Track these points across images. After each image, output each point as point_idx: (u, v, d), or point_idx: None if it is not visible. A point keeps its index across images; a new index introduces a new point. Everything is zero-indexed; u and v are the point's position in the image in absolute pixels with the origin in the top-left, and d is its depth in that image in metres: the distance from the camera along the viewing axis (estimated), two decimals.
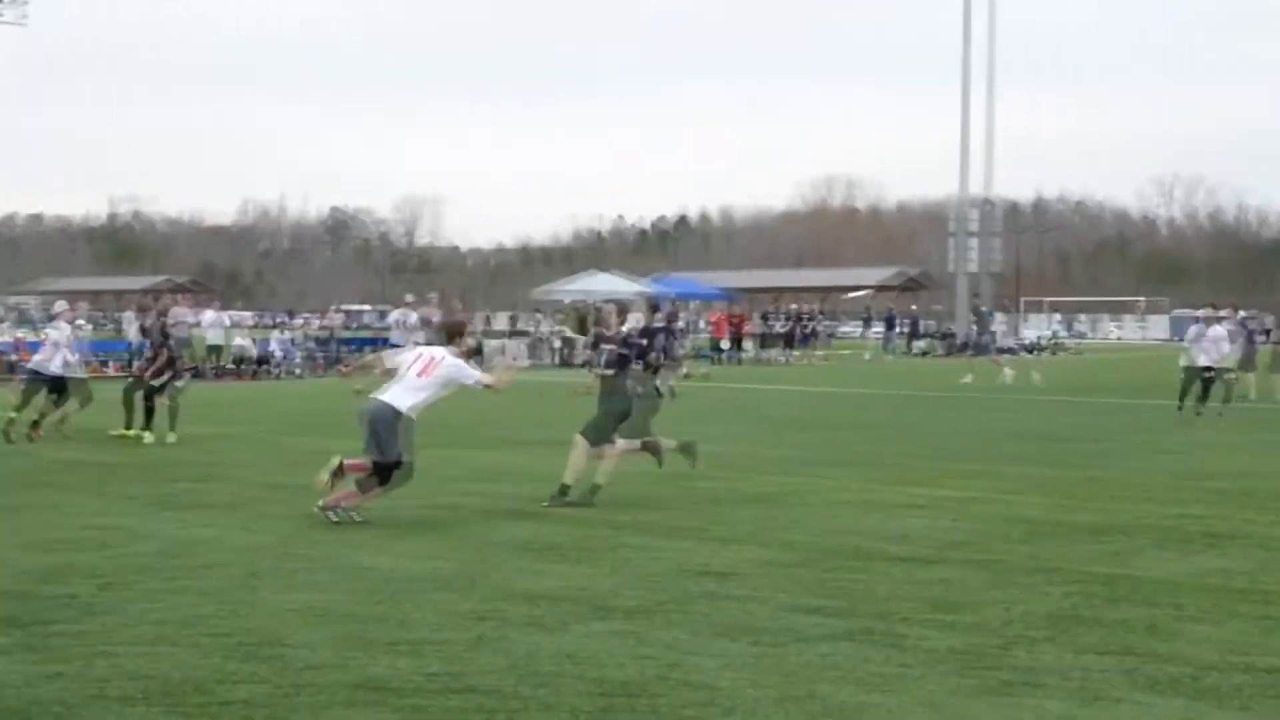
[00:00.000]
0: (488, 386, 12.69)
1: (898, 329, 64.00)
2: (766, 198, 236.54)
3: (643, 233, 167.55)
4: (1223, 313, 25.08)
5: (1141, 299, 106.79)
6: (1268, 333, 32.67)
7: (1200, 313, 25.06)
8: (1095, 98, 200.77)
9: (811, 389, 34.74)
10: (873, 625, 8.13)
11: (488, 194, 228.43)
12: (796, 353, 51.88)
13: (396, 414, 12.01)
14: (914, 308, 74.18)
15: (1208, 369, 22.22)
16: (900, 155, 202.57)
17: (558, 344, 47.26)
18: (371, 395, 12.32)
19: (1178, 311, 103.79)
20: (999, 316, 57.86)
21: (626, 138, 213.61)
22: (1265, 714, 6.51)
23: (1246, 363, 29.65)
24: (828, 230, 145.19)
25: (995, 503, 13.46)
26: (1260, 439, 20.27)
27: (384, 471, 12.04)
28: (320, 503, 11.94)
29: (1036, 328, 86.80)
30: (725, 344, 50.76)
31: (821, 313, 64.62)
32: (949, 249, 75.70)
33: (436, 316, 34.14)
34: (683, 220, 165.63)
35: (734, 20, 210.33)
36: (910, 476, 15.54)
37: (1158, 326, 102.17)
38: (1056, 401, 29.83)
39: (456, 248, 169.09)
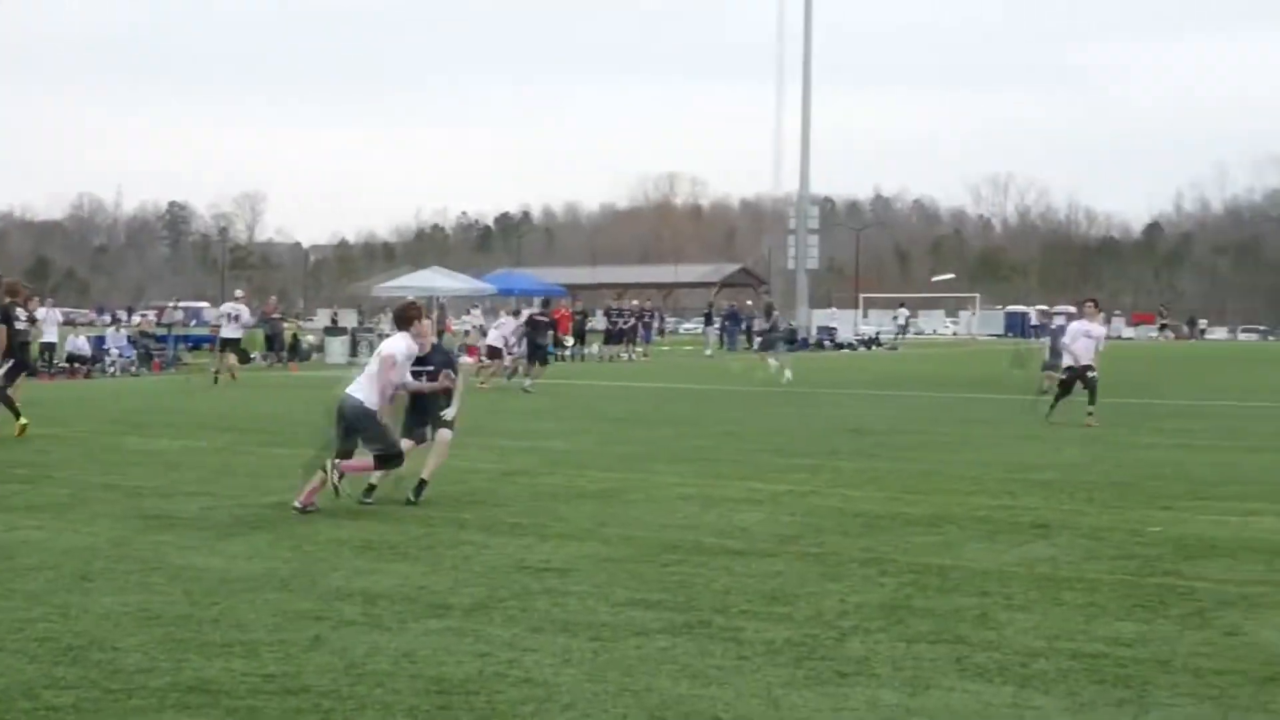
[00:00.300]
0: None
1: (742, 325, 64.57)
2: (609, 195, 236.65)
3: (487, 229, 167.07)
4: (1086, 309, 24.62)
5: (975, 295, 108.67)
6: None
7: (1065, 308, 25.14)
8: (933, 100, 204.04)
9: (653, 385, 34.90)
10: (711, 619, 8.19)
11: (326, 190, 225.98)
12: (640, 349, 52.15)
13: (368, 409, 12.33)
14: (749, 303, 74.95)
15: (1089, 368, 21.81)
16: (738, 153, 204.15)
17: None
18: (347, 391, 12.51)
19: (1010, 308, 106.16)
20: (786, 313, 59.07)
21: (473, 135, 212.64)
22: (1090, 698, 6.67)
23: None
24: (669, 227, 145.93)
25: (831, 496, 13.63)
26: (1088, 432, 20.76)
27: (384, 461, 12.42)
28: (298, 503, 12.12)
29: (876, 323, 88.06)
30: (570, 341, 50.79)
31: (657, 310, 64.99)
32: (788, 245, 76.50)
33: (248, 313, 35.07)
34: (525, 217, 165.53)
35: (577, 15, 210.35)
36: (749, 471, 15.68)
37: (992, 322, 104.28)
38: (891, 395, 30.32)
39: (298, 243, 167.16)
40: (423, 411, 13.09)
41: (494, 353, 34.00)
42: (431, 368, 12.94)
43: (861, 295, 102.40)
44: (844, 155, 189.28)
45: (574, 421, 22.91)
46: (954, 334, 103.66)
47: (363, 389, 12.43)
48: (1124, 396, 22.64)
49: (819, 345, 67.03)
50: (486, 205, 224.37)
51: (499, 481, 14.45)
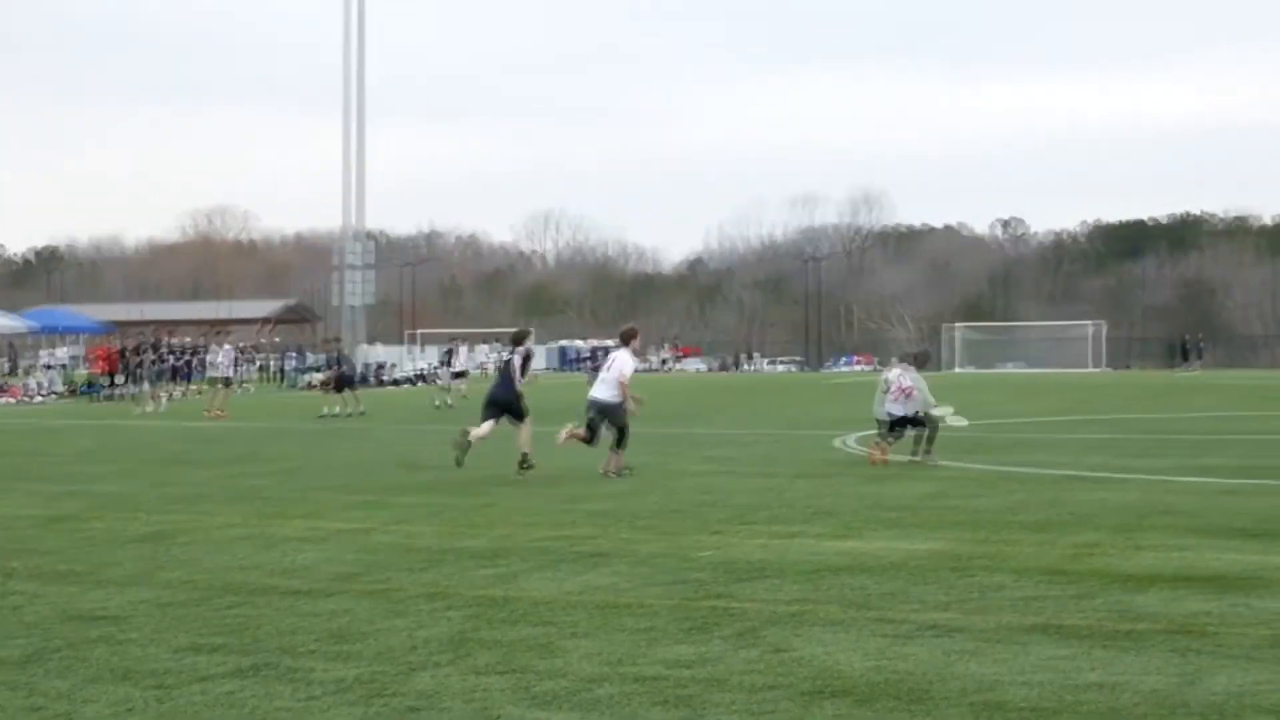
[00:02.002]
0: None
1: (306, 361, 63.68)
2: (155, 228, 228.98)
3: (27, 262, 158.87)
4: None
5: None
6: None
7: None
8: (482, 136, 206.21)
9: (205, 424, 34.01)
10: (277, 660, 8.07)
11: None
12: (194, 386, 50.70)
13: (610, 404, 19.59)
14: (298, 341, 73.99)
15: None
16: (288, 187, 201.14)
17: None
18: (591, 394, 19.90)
19: (560, 342, 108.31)
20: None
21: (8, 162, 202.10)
22: (653, 719, 6.91)
23: None
24: (218, 262, 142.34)
25: (392, 532, 13.61)
26: (640, 460, 21.41)
27: (621, 437, 19.61)
28: (601, 469, 19.03)
29: (428, 358, 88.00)
30: (120, 378, 48.89)
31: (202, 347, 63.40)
32: (334, 282, 75.85)
33: None
34: (64, 251, 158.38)
35: (136, 45, 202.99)
36: (308, 509, 15.51)
37: (543, 356, 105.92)
38: (443, 430, 30.46)
39: None
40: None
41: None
42: None
43: (414, 331, 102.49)
44: (395, 191, 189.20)
45: (122, 463, 22.10)
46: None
47: (603, 390, 19.65)
48: (673, 426, 23.44)
49: (380, 382, 66.78)
50: (20, 238, 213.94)
51: (45, 528, 13.82)
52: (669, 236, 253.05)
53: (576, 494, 16.98)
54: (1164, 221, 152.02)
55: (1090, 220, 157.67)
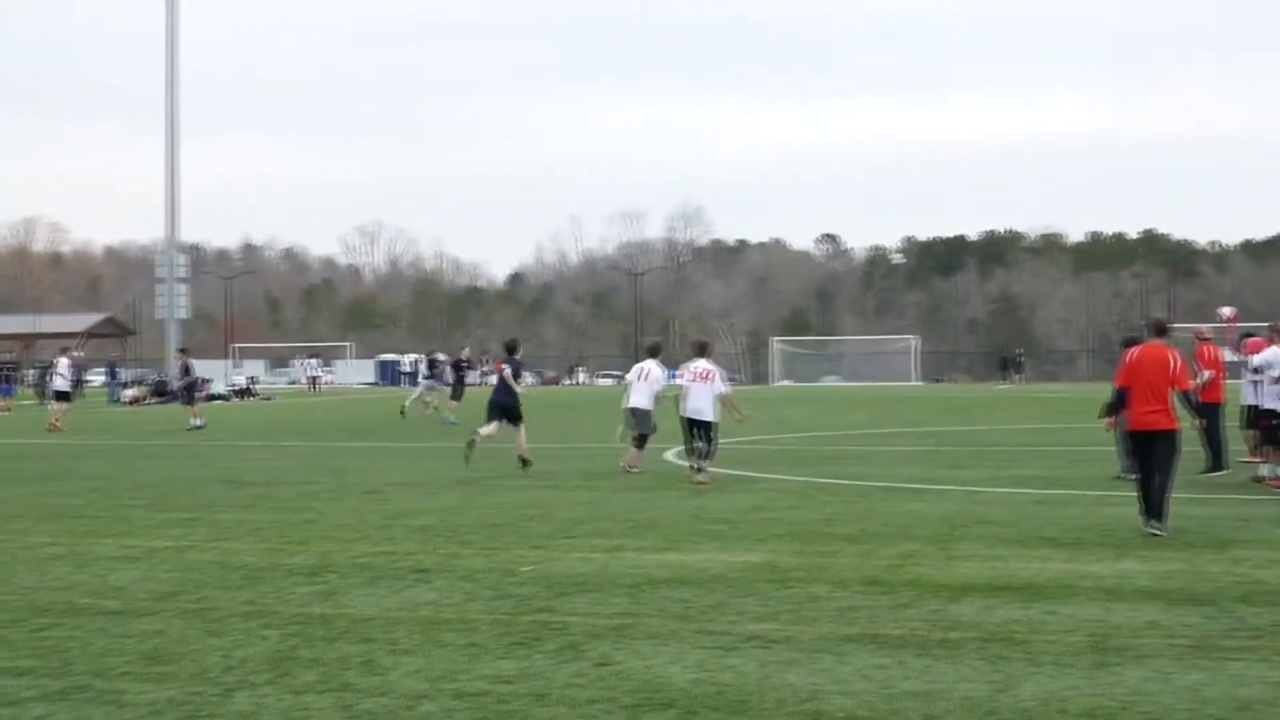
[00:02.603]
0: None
1: (119, 377, 62.31)
2: None
3: None
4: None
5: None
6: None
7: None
8: (302, 148, 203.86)
9: (15, 441, 33.10)
10: (90, 683, 7.89)
11: None
12: (3, 402, 49.36)
13: (647, 410, 21.77)
14: (115, 355, 72.28)
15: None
16: (102, 200, 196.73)
17: None
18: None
19: (383, 356, 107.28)
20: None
21: None
22: None
23: (457, 390, 39.10)
24: (28, 274, 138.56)
25: (211, 550, 13.39)
26: (464, 475, 21.33)
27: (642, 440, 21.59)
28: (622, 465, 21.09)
29: (250, 373, 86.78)
30: None
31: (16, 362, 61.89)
32: (156, 295, 74.40)
33: None
34: None
35: None
36: (123, 528, 15.18)
37: (364, 370, 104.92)
38: (268, 446, 30.03)
39: None
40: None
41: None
42: None
43: (234, 345, 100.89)
44: (212, 202, 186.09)
45: None
46: (329, 383, 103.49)
47: (641, 399, 21.70)
48: (492, 442, 23.22)
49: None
50: None
51: None
52: (493, 250, 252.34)
53: (399, 509, 16.85)
54: (977, 239, 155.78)
55: (907, 237, 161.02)
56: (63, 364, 41.46)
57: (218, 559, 12.79)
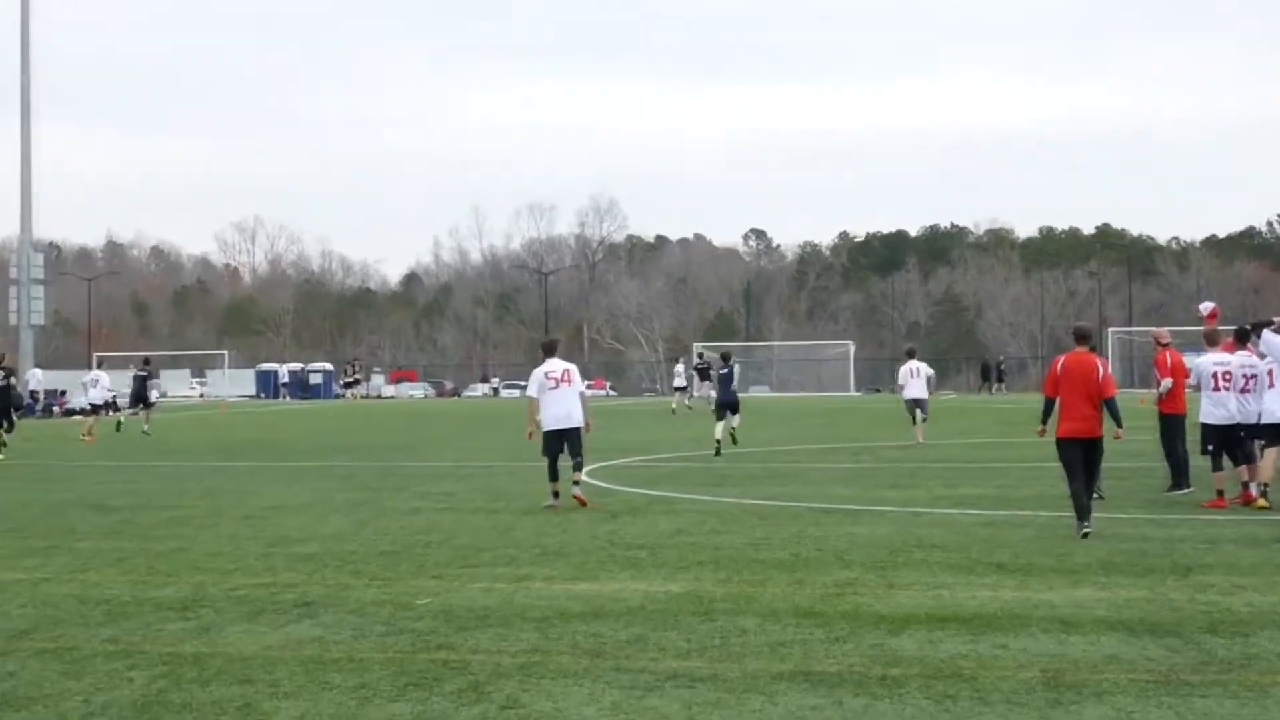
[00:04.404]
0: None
1: None
2: None
3: None
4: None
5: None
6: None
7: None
8: (177, 137, 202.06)
9: None
10: None
11: None
12: None
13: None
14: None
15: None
16: None
17: None
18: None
19: (262, 366, 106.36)
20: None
21: None
22: None
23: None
24: None
25: (70, 582, 13.19)
26: (354, 498, 21.18)
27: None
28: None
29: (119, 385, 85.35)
30: None
31: None
32: (10, 298, 73.38)
33: None
34: None
35: None
36: None
37: (243, 382, 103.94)
38: (139, 466, 29.68)
39: None
40: None
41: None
42: None
43: (96, 353, 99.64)
44: (70, 198, 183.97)
45: None
46: (201, 396, 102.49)
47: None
48: (386, 459, 23.20)
49: (47, 411, 64.62)
50: None
51: None
52: (386, 249, 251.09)
53: (280, 535, 16.70)
54: (919, 235, 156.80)
55: (842, 233, 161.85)
56: None
57: (77, 592, 12.60)
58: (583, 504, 19.21)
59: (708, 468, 24.59)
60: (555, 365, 20.09)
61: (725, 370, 32.29)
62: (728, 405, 31.41)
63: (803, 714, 8.04)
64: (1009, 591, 12.19)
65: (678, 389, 62.10)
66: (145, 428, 43.84)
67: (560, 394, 19.85)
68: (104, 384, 45.36)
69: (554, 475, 19.73)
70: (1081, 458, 15.69)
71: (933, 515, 18.24)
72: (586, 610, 11.40)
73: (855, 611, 11.24)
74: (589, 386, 21.99)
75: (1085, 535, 15.28)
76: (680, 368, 65.18)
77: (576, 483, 19.61)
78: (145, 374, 47.90)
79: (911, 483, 23.23)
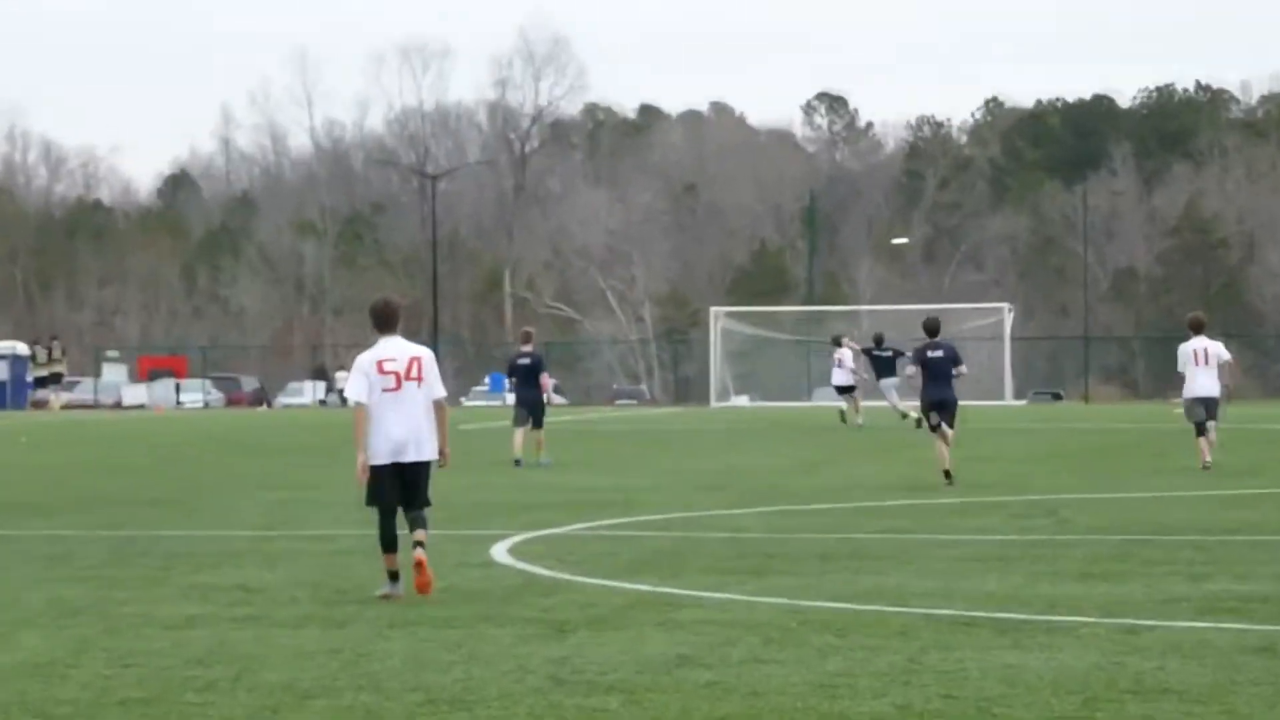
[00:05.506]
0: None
1: None
2: None
3: None
4: None
5: None
6: None
7: None
8: None
9: None
10: None
11: None
12: None
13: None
14: None
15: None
16: None
17: None
18: None
19: None
20: None
21: None
22: None
23: None
24: None
25: None
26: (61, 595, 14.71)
27: None
28: None
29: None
30: None
31: None
32: None
33: None
34: None
35: None
36: None
37: None
38: None
39: None
40: None
41: None
42: None
43: None
44: None
45: None
46: None
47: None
48: (131, 524, 17.18)
49: None
50: None
51: None
52: (132, 132, 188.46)
53: None
54: (1133, 104, 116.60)
55: (990, 100, 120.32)
56: None
57: None
58: (422, 576, 12.78)
59: (734, 537, 16.89)
60: (394, 349, 13.20)
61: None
62: (937, 406, 23.12)
63: None
64: None
65: (842, 389, 44.22)
66: None
67: (400, 402, 13.02)
68: None
69: (390, 543, 13.21)
70: None
71: (1164, 632, 11.34)
72: None
73: None
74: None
75: None
76: (846, 353, 44.10)
77: (419, 544, 13.07)
78: None
79: (1124, 569, 15.20)
